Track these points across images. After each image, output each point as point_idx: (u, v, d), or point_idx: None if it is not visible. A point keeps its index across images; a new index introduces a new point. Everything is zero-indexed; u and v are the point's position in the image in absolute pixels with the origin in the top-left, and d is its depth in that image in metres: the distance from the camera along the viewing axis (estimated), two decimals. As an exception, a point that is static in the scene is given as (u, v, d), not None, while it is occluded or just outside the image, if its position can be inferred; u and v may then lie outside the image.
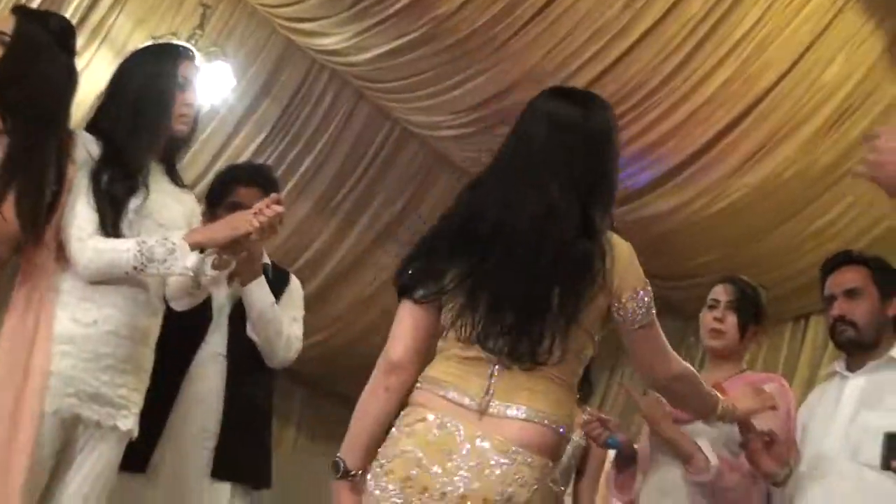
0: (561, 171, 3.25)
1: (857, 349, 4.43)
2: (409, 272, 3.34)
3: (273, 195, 4.27)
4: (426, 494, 3.07)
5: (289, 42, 9.05)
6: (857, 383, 4.35)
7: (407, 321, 3.38)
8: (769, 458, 4.24)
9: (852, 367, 4.42)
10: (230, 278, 4.60)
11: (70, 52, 4.25)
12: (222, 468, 4.71)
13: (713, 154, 9.17)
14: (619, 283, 3.22)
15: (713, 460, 4.35)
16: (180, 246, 3.97)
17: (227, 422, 4.73)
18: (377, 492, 3.15)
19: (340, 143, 9.56)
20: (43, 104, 4.06)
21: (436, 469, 3.09)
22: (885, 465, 3.60)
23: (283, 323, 4.87)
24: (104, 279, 4.00)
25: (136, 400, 4.14)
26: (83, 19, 8.18)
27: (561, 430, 3.15)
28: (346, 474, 3.30)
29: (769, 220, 9.48)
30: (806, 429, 4.46)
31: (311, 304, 10.02)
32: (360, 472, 3.29)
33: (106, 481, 4.10)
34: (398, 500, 3.10)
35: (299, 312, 4.97)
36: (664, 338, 3.40)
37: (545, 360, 3.13)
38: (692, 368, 3.52)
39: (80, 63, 5.38)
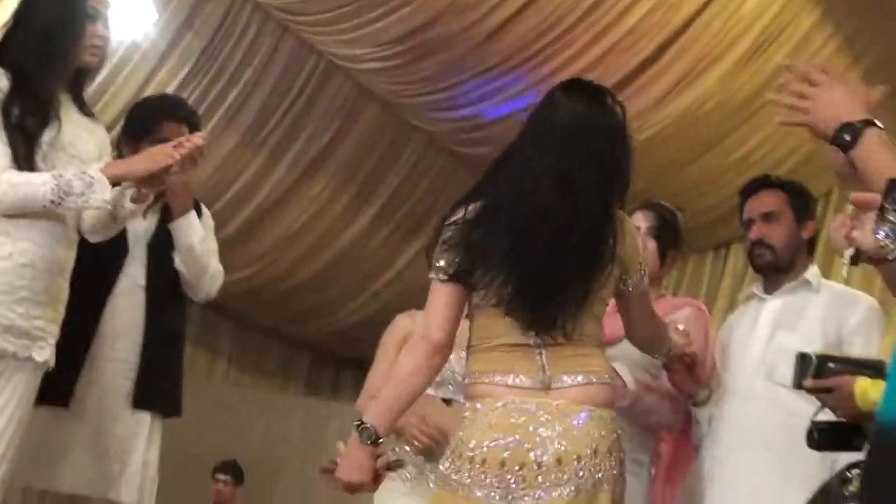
0: (585, 164, 3.48)
1: (773, 272, 4.50)
2: (448, 258, 3.51)
3: (197, 132, 4.32)
4: (524, 470, 3.34)
5: None
6: (773, 305, 4.44)
7: (446, 303, 3.55)
8: (690, 379, 4.30)
9: (769, 289, 4.50)
10: (146, 211, 4.49)
11: None
12: (143, 399, 4.67)
13: (635, 85, 9.23)
14: (627, 257, 3.58)
15: (631, 385, 4.35)
16: (98, 179, 3.94)
17: (146, 353, 4.68)
18: (468, 480, 3.40)
19: (265, 77, 9.46)
20: None
21: (526, 445, 3.35)
22: (797, 385, 3.57)
23: (211, 258, 4.85)
24: (20, 213, 3.96)
25: (53, 331, 4.13)
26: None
27: (612, 382, 3.56)
28: (376, 440, 3.50)
29: (691, 151, 9.56)
30: (725, 350, 4.53)
31: (238, 239, 10.13)
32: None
33: (22, 414, 4.09)
34: (496, 484, 3.35)
35: (215, 245, 4.93)
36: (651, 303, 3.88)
37: (579, 333, 3.47)
38: (663, 321, 4.01)
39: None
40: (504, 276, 3.45)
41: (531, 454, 3.38)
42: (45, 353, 4.06)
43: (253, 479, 8.73)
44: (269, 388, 12.01)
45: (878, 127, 2.65)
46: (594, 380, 3.49)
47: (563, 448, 3.35)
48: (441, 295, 3.57)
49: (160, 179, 4.16)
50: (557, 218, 3.45)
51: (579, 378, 3.47)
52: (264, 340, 12.33)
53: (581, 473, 3.37)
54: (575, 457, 3.35)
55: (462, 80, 9.20)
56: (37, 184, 3.92)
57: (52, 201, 3.93)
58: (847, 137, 2.61)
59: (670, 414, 4.47)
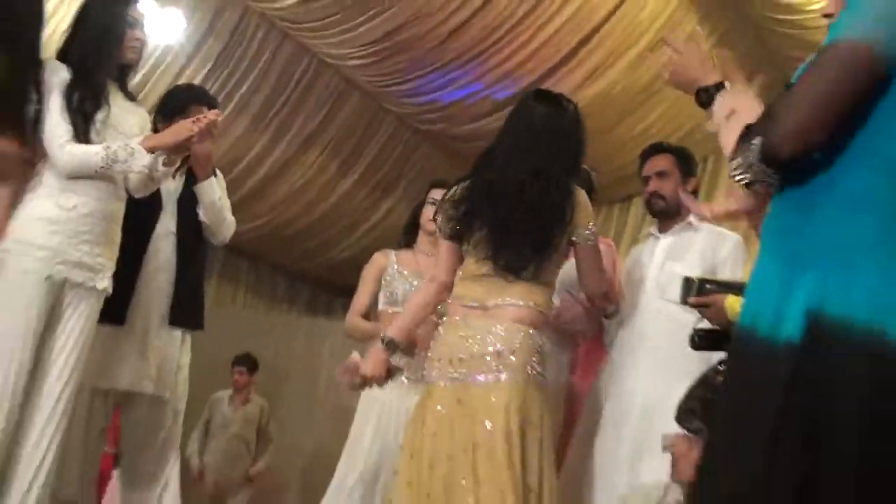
0: (552, 155, 3.78)
1: (665, 217, 4.51)
2: (448, 223, 3.90)
3: (214, 110, 4.30)
4: (463, 357, 3.68)
5: None
6: (665, 242, 4.46)
7: (447, 256, 3.95)
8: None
9: (662, 230, 4.52)
10: (175, 174, 4.54)
11: None
12: (176, 318, 4.67)
13: (560, 74, 9.22)
14: (578, 219, 3.79)
15: (556, 302, 4.31)
16: (138, 149, 3.98)
17: (178, 283, 4.67)
18: (434, 373, 3.76)
19: (269, 73, 9.40)
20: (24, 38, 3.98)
21: (467, 344, 3.69)
22: (683, 301, 3.57)
23: (226, 211, 4.83)
24: (79, 176, 3.97)
25: (109, 266, 4.14)
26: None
27: (537, 309, 3.75)
28: (395, 349, 3.97)
29: (602, 125, 9.53)
30: (629, 275, 4.54)
31: (251, 197, 10.07)
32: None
33: (89, 331, 4.09)
34: (449, 371, 3.69)
35: (228, 202, 4.90)
36: (602, 261, 3.97)
37: (526, 274, 3.74)
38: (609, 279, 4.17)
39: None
40: (487, 233, 3.74)
41: (466, 350, 3.68)
42: (104, 283, 4.08)
43: (263, 384, 8.72)
44: (277, 312, 12.02)
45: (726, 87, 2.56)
46: (531, 304, 3.72)
47: (487, 346, 3.65)
48: (444, 249, 3.95)
49: (185, 148, 4.20)
50: (531, 195, 3.69)
51: (520, 303, 3.71)
52: (273, 274, 12.33)
53: (514, 367, 3.63)
54: (497, 353, 3.63)
55: (425, 72, 9.17)
56: (91, 153, 3.94)
57: (103, 167, 3.96)
58: (703, 98, 2.45)
59: (586, 323, 4.48)
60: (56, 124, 3.98)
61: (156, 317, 4.61)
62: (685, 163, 4.57)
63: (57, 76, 4.02)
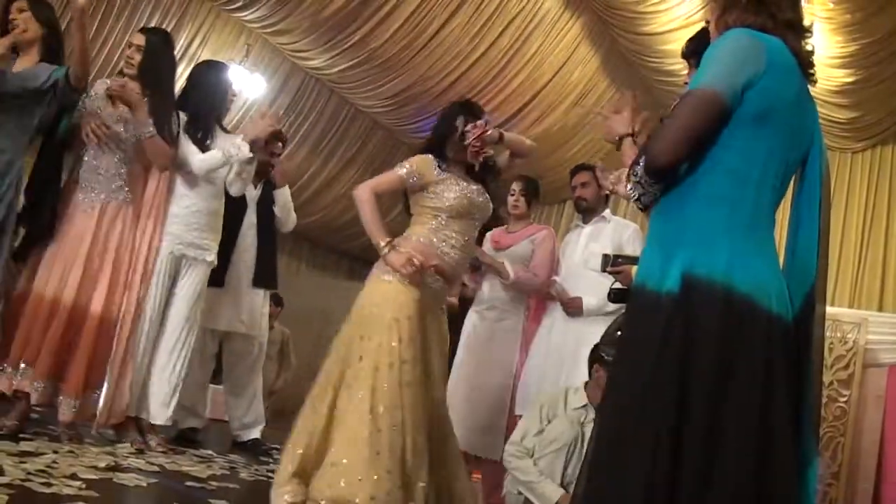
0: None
1: (587, 213, 4.37)
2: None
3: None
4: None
5: (293, 63, 8.70)
6: (587, 230, 4.32)
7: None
8: None
9: (585, 221, 4.37)
10: (255, 183, 4.54)
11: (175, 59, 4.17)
12: (258, 280, 4.61)
13: (521, 115, 9.13)
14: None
15: (511, 272, 4.22)
16: (241, 143, 3.93)
17: (258, 258, 4.62)
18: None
19: (321, 117, 9.27)
20: (168, 87, 3.98)
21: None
22: (603, 269, 3.43)
23: (291, 210, 4.79)
24: (206, 174, 3.96)
25: (213, 246, 4.09)
26: (184, 50, 7.79)
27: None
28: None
29: (547, 151, 9.46)
30: (563, 253, 4.39)
31: (309, 200, 9.98)
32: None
33: (200, 291, 4.06)
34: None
35: (292, 204, 4.89)
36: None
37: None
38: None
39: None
40: None
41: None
42: (211, 257, 4.03)
43: (315, 328, 8.57)
44: (329, 278, 11.90)
45: (632, 137, 2.54)
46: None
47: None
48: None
49: (264, 144, 4.19)
50: None
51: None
52: (326, 253, 12.19)
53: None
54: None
55: (429, 115, 8.92)
56: (213, 154, 3.92)
57: (223, 161, 3.93)
58: (616, 143, 2.50)
59: (535, 287, 4.30)
60: (187, 146, 3.94)
61: (245, 280, 4.55)
62: (598, 174, 4.41)
63: (180, 118, 3.99)
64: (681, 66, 8.49)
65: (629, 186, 2.00)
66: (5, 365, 3.53)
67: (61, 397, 3.57)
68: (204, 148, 3.95)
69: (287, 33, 7.91)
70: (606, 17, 8.24)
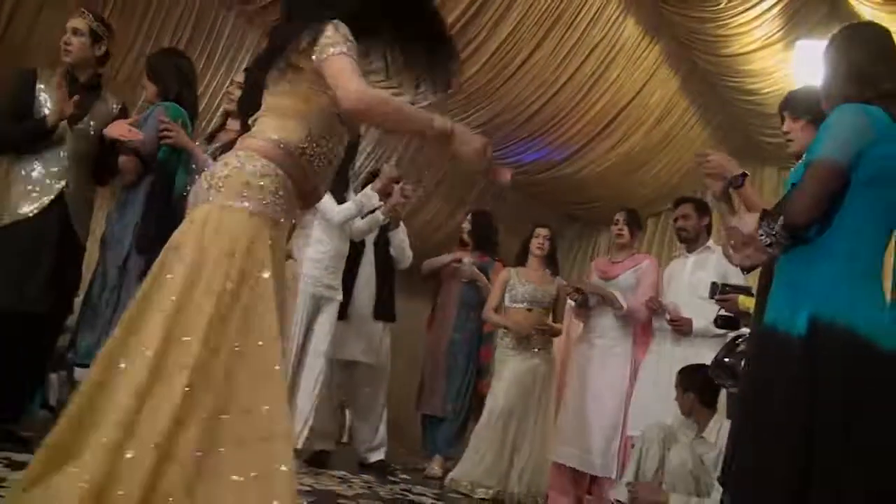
0: None
1: (689, 243, 4.56)
2: None
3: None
4: None
5: None
6: (692, 259, 4.52)
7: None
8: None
9: (689, 251, 4.57)
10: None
11: None
12: (379, 314, 4.92)
13: (599, 139, 9.29)
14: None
15: (623, 302, 4.51)
16: (370, 192, 4.37)
17: (377, 295, 4.92)
18: None
19: (408, 149, 9.44)
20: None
21: None
22: (711, 297, 3.61)
23: (408, 248, 5.11)
24: (342, 223, 4.32)
25: (340, 286, 4.46)
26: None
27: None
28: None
29: (629, 171, 9.66)
30: (669, 281, 4.60)
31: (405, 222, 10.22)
32: None
33: (333, 325, 4.42)
34: None
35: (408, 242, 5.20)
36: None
37: None
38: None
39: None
40: None
41: None
42: (339, 295, 4.40)
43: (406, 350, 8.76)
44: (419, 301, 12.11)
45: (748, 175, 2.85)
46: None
47: None
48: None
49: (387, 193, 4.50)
50: None
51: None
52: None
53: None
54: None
55: (513, 143, 9.20)
56: (349, 206, 4.30)
57: (357, 210, 4.29)
58: (739, 181, 2.77)
59: (642, 315, 4.55)
60: (326, 198, 4.21)
61: (366, 314, 4.87)
62: (701, 207, 4.64)
63: None
64: (761, 84, 8.62)
65: (761, 235, 2.27)
66: None
67: None
68: (340, 199, 4.31)
69: (379, 72, 8.29)
70: (688, 41, 8.44)
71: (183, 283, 1.83)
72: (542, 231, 4.97)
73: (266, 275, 1.90)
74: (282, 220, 1.99)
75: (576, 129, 8.97)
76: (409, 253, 5.15)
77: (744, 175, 2.76)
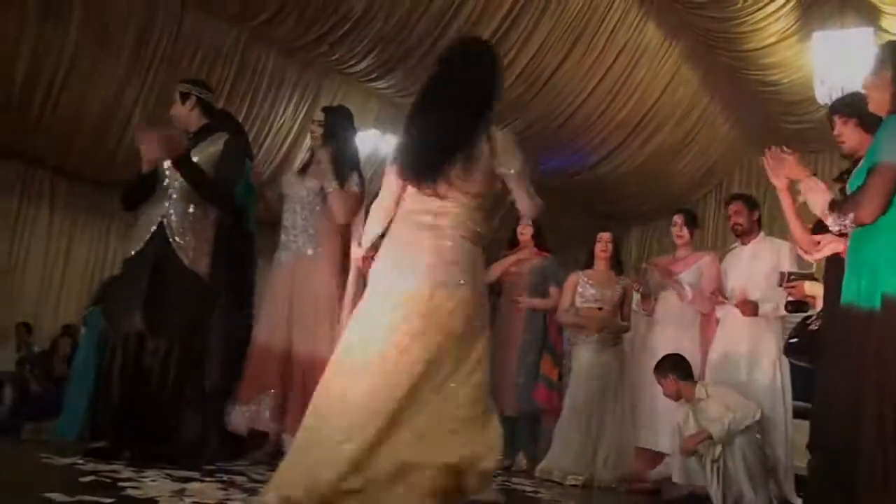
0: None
1: (743, 235, 4.91)
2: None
3: None
4: None
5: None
6: (747, 250, 4.88)
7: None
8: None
9: (743, 243, 4.93)
10: None
11: None
12: None
13: (629, 140, 9.80)
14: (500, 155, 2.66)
15: (689, 292, 4.90)
16: None
17: None
18: None
19: None
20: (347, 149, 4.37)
21: None
22: (779, 285, 3.95)
23: None
24: None
25: None
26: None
27: None
28: None
29: (660, 165, 10.15)
30: (726, 273, 4.94)
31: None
32: None
33: None
34: None
35: None
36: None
37: None
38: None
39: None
40: None
41: None
42: None
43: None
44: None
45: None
46: None
47: None
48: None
49: None
50: None
51: None
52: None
53: None
54: None
55: (544, 150, 9.62)
56: None
57: None
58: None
59: (707, 305, 4.93)
60: None
61: None
62: (751, 203, 4.97)
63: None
64: (781, 75, 9.09)
65: (831, 222, 2.78)
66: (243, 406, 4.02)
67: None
68: None
69: (415, 95, 8.78)
70: (709, 40, 8.93)
71: None
72: (605, 236, 5.39)
73: None
74: None
75: (606, 132, 9.45)
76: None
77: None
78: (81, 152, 8.00)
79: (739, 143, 11.25)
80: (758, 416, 4.31)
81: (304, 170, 4.42)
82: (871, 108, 2.89)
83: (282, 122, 8.85)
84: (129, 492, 2.90)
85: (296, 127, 8.82)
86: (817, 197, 2.98)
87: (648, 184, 10.58)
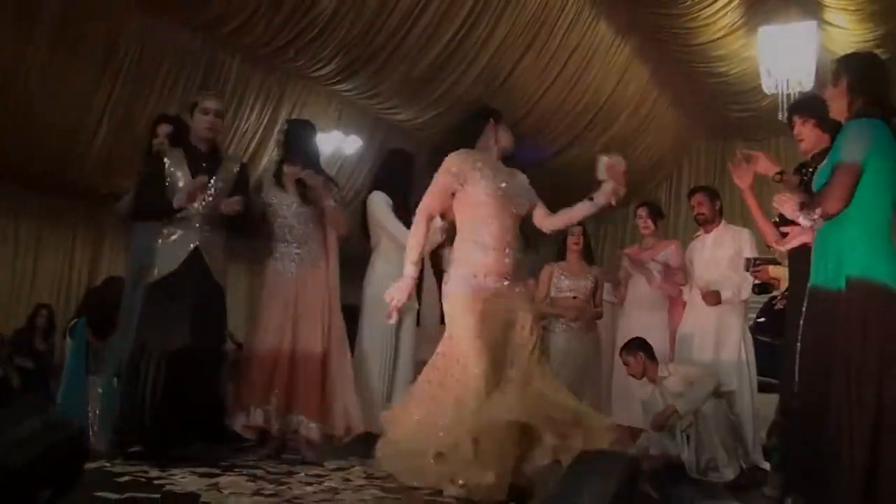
0: None
1: (706, 224, 5.24)
2: None
3: None
4: None
5: (377, 118, 9.75)
6: (709, 237, 5.23)
7: None
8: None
9: (706, 231, 5.26)
10: None
11: None
12: (443, 319, 5.14)
13: (585, 133, 10.15)
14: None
15: (657, 277, 5.25)
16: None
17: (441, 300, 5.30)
18: None
19: None
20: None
21: None
22: (746, 270, 4.29)
23: None
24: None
25: (416, 295, 4.78)
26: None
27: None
28: None
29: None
30: (691, 259, 5.29)
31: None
32: None
33: (414, 331, 5.02)
34: None
35: None
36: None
37: None
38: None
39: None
40: None
41: None
42: (416, 304, 4.89)
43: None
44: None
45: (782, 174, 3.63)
46: None
47: None
48: None
49: None
50: None
51: None
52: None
53: None
54: None
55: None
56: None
57: None
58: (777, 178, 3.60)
59: (674, 289, 5.32)
60: (396, 223, 4.76)
61: (432, 318, 5.19)
62: (712, 194, 5.32)
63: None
64: (728, 67, 9.51)
65: (803, 220, 3.12)
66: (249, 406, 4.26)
67: (303, 419, 4.26)
68: (407, 223, 4.67)
69: (377, 96, 9.06)
70: (660, 36, 9.34)
71: None
72: (577, 229, 5.66)
73: None
74: None
75: (563, 125, 9.81)
76: None
77: (780, 173, 3.55)
78: (48, 161, 8.00)
79: (689, 134, 11.73)
80: (717, 383, 4.67)
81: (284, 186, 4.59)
82: (832, 115, 3.23)
83: (246, 127, 8.98)
84: (169, 488, 3.13)
85: (260, 132, 8.97)
86: (788, 207, 3.27)
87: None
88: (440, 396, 3.45)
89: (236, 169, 4.27)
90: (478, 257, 3.52)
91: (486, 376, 3.33)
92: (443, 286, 3.70)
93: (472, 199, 3.57)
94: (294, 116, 9.00)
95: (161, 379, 3.78)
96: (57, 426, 1.97)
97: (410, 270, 3.61)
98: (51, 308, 7.99)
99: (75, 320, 6.65)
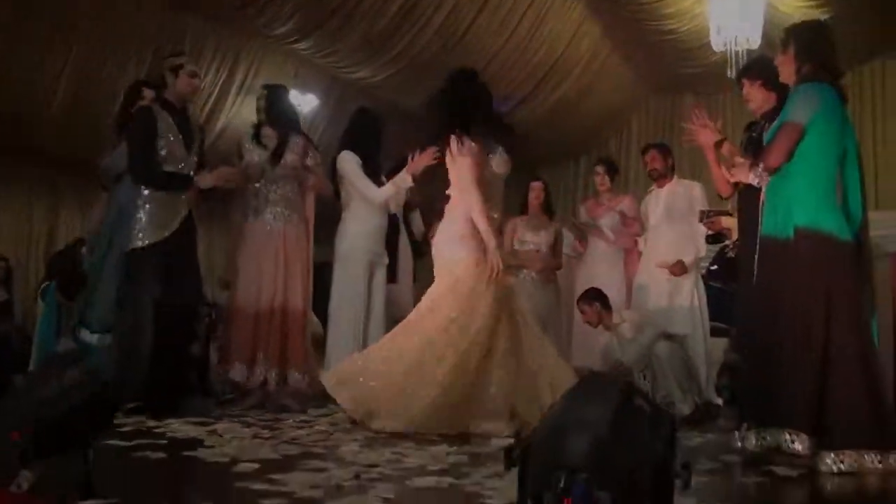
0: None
1: (660, 179, 5.53)
2: None
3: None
4: None
5: (334, 77, 9.79)
6: (663, 190, 5.53)
7: None
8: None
9: (660, 186, 5.55)
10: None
11: None
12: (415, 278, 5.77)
13: (540, 87, 10.36)
14: None
15: (611, 234, 5.62)
16: (406, 177, 4.93)
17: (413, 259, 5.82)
18: None
19: None
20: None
21: None
22: (700, 221, 4.62)
23: (422, 226, 6.19)
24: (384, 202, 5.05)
25: (385, 252, 5.21)
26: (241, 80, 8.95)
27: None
28: None
29: (567, 110, 10.75)
30: (647, 210, 5.60)
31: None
32: None
33: (384, 285, 5.21)
34: None
35: None
36: None
37: None
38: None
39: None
40: None
41: None
42: (386, 259, 5.14)
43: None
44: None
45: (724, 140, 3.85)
46: None
47: None
48: None
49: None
50: None
51: None
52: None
53: None
54: None
55: None
56: (387, 187, 5.00)
57: (396, 191, 5.00)
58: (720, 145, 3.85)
59: (630, 240, 5.71)
60: (366, 183, 4.94)
61: (407, 276, 5.71)
62: (665, 151, 5.59)
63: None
64: (678, 24, 9.78)
65: (752, 178, 3.39)
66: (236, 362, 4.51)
67: (293, 371, 4.56)
68: (378, 182, 5.01)
69: (335, 54, 9.12)
70: (611, -4, 9.53)
71: None
72: (537, 185, 5.93)
73: None
74: None
75: (518, 80, 9.98)
76: (423, 229, 5.99)
77: (721, 141, 3.81)
78: (3, 120, 7.90)
79: (639, 90, 11.99)
80: (661, 329, 4.96)
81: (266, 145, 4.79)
82: (782, 79, 3.47)
83: (202, 86, 8.93)
84: (170, 436, 3.33)
85: (216, 91, 8.98)
86: (742, 173, 3.52)
87: (556, 130, 11.20)
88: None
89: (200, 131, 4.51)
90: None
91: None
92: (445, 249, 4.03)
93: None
94: (251, 76, 9.10)
95: (163, 338, 3.96)
96: (92, 376, 2.15)
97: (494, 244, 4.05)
98: (8, 261, 8.05)
99: (46, 283, 6.79)
